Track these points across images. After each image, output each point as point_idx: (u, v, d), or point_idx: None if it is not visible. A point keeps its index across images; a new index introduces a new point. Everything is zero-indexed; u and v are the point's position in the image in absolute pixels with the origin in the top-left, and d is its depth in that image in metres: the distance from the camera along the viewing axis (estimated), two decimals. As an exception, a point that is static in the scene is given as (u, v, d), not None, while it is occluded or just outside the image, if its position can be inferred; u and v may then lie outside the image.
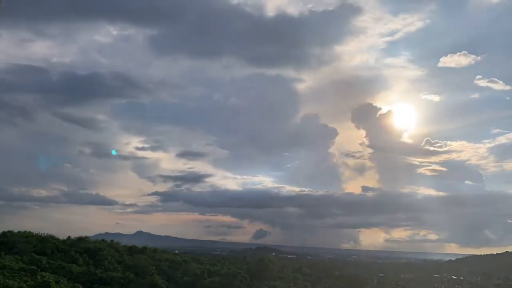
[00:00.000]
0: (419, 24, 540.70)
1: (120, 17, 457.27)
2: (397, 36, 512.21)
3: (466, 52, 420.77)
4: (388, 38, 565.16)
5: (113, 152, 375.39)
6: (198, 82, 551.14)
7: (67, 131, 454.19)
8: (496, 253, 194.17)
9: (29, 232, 68.22)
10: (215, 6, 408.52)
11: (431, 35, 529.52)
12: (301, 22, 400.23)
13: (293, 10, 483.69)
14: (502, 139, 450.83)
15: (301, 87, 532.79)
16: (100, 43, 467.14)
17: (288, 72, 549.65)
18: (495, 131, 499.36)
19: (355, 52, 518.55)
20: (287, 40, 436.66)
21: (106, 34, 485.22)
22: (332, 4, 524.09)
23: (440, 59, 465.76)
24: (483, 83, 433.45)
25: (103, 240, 77.93)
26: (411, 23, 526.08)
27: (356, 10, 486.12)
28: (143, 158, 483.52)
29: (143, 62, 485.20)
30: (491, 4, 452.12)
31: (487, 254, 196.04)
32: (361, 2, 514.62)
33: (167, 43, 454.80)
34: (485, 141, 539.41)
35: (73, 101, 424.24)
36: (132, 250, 75.35)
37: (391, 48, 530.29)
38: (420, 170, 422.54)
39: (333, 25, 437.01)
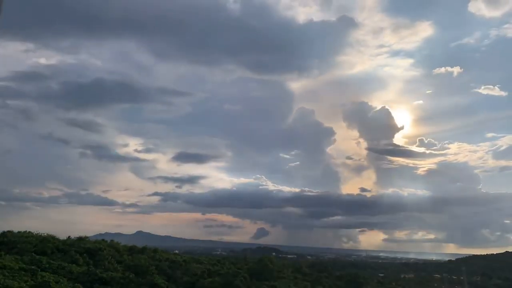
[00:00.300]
0: (417, 38, 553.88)
1: (122, 26, 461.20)
2: (394, 47, 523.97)
3: (459, 68, 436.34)
4: (386, 49, 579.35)
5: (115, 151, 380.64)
6: (198, 86, 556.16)
7: (69, 134, 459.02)
8: (496, 253, 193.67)
9: (29, 232, 67.98)
10: (216, 17, 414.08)
11: (428, 48, 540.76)
12: (302, 33, 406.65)
13: (294, 21, 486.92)
14: (498, 142, 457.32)
15: (298, 88, 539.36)
16: (103, 51, 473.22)
17: (288, 78, 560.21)
18: (490, 135, 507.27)
19: (354, 63, 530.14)
20: (288, 50, 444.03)
21: (109, 42, 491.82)
22: (333, 18, 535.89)
23: (433, 70, 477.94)
24: (479, 88, 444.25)
25: (103, 240, 77.68)
26: (409, 36, 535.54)
27: (355, 24, 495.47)
28: (144, 160, 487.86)
29: (144, 68, 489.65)
30: (485, 18, 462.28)
31: (487, 254, 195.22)
32: (360, 17, 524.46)
33: (168, 51, 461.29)
34: (481, 143, 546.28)
35: (75, 106, 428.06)
36: (132, 250, 75.10)
37: (389, 58, 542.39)
38: (418, 171, 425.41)
39: (333, 37, 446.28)
